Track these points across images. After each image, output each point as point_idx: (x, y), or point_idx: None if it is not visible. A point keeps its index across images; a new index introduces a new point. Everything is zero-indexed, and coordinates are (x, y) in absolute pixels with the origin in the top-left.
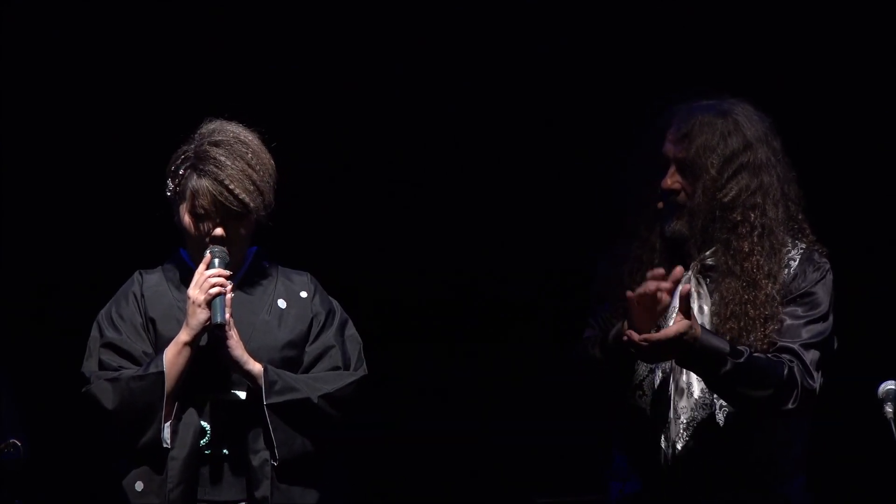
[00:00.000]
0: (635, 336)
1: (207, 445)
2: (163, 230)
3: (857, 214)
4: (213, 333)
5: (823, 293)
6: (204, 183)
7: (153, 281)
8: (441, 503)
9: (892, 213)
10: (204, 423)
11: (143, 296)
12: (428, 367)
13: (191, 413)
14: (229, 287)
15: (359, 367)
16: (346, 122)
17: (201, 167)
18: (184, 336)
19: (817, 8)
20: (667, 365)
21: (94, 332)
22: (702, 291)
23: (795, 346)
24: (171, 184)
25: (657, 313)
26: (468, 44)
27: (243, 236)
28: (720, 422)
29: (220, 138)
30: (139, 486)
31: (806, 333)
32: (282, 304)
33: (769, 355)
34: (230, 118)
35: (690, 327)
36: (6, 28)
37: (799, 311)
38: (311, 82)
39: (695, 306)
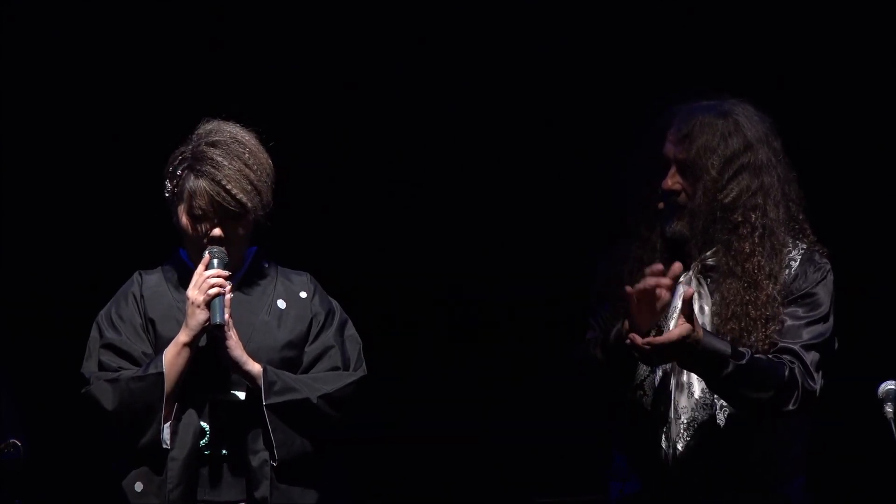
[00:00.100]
0: (638, 339)
1: (207, 446)
2: (162, 230)
3: (857, 214)
4: (212, 334)
5: (824, 294)
6: (201, 183)
7: (153, 281)
8: (441, 503)
9: (892, 213)
10: (203, 424)
11: (142, 296)
12: (428, 367)
13: (190, 414)
14: (228, 287)
15: (358, 368)
16: (346, 122)
17: (198, 168)
18: (183, 337)
19: (817, 8)
20: (668, 365)
21: (94, 333)
22: (702, 292)
23: (796, 347)
24: (168, 185)
25: (657, 311)
26: (468, 44)
27: (242, 236)
28: (721, 422)
29: (216, 139)
30: (139, 486)
31: (807, 334)
32: (281, 304)
33: (770, 356)
34: (228, 118)
35: (693, 330)
36: (6, 28)
37: (800, 311)
38: (311, 82)
39: (695, 307)
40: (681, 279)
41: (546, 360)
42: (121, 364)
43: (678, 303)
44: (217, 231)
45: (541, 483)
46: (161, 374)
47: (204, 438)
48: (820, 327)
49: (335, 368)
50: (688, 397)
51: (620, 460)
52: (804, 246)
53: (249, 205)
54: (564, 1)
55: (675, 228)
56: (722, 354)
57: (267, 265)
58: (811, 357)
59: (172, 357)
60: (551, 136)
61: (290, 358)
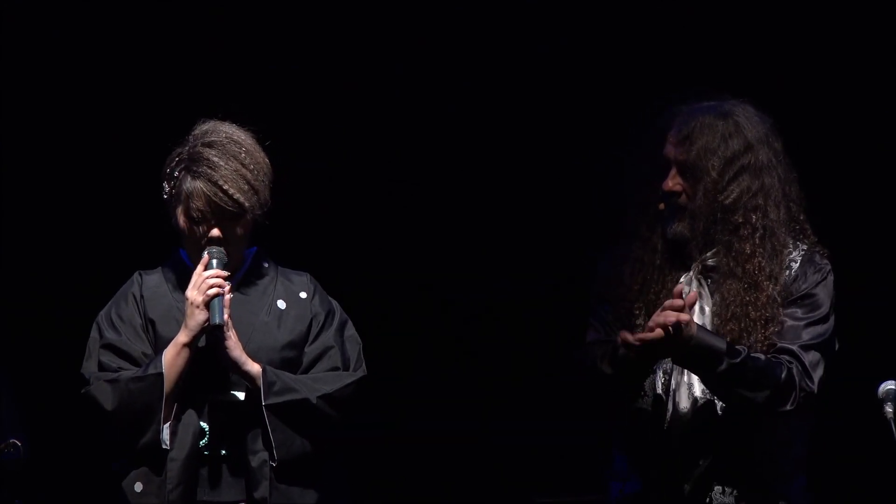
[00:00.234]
0: (629, 337)
1: (206, 446)
2: (162, 230)
3: (857, 215)
4: (211, 334)
5: (824, 295)
6: (198, 184)
7: (153, 282)
8: (441, 503)
9: (892, 214)
10: (203, 424)
11: (142, 297)
12: (428, 367)
13: (190, 414)
14: (227, 288)
15: (358, 368)
16: (345, 122)
17: (195, 169)
18: (182, 337)
19: (817, 8)
20: (668, 365)
21: (94, 333)
22: (703, 292)
23: (794, 348)
24: (166, 187)
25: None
26: (468, 44)
27: (240, 236)
28: (721, 422)
29: (213, 139)
30: (138, 486)
31: (806, 335)
32: (281, 304)
33: (768, 356)
34: (226, 118)
35: (686, 324)
36: (6, 28)
37: (799, 312)
38: (311, 82)
39: (696, 306)
40: (681, 279)
41: (546, 360)
42: (121, 364)
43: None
44: (215, 231)
45: (541, 483)
46: (160, 374)
47: (203, 439)
48: (819, 328)
49: (335, 369)
50: (688, 397)
51: (620, 460)
52: (805, 247)
53: (247, 204)
54: (564, 1)
55: (676, 229)
56: (716, 351)
57: (267, 265)
58: (810, 357)
59: (172, 357)
60: (551, 136)
61: (289, 358)
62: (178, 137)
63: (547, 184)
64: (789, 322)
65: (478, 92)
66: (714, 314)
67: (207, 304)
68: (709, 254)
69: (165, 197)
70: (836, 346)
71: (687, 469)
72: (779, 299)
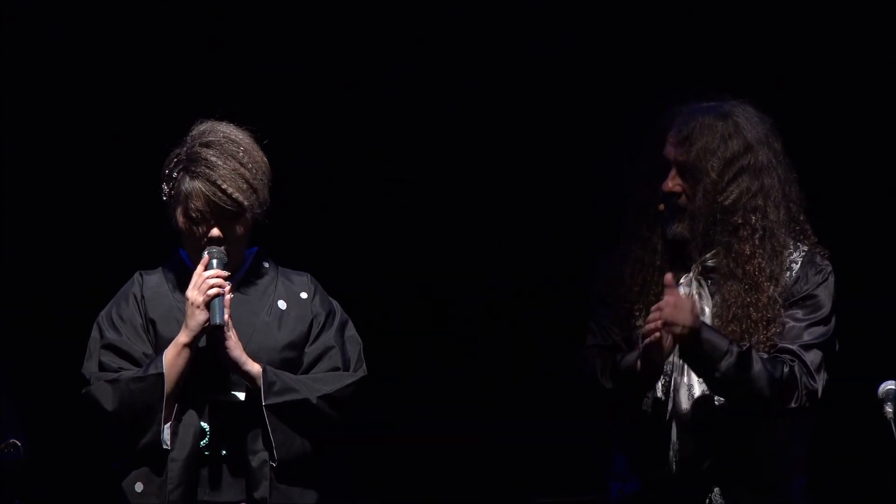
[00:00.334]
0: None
1: (207, 447)
2: (162, 230)
3: (857, 215)
4: (212, 335)
5: (825, 296)
6: (197, 185)
7: (153, 282)
8: (441, 503)
9: (892, 214)
10: (203, 425)
11: (143, 297)
12: (428, 367)
13: (190, 414)
14: (227, 288)
15: (358, 368)
16: (345, 122)
17: (193, 169)
18: (183, 337)
19: (817, 8)
20: (668, 366)
21: (95, 333)
22: (703, 293)
23: (795, 348)
24: (165, 188)
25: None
26: (468, 44)
27: (240, 236)
28: (721, 422)
29: (210, 139)
30: (139, 486)
31: (808, 335)
32: (282, 305)
33: (771, 355)
34: (223, 118)
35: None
36: (6, 28)
37: (800, 313)
38: (311, 82)
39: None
40: (681, 280)
41: (546, 360)
42: (121, 364)
43: None
44: (215, 231)
45: (541, 483)
46: (161, 374)
47: (204, 439)
48: (821, 329)
49: (335, 369)
50: (688, 398)
51: (620, 461)
52: (805, 248)
53: (246, 203)
54: (564, 1)
55: (676, 230)
56: (721, 346)
57: (267, 265)
58: (811, 357)
59: (172, 358)
60: (551, 136)
61: (290, 359)
62: (178, 137)
63: (547, 184)
64: (791, 323)
65: (478, 92)
66: (714, 315)
67: (208, 304)
68: (709, 255)
69: (164, 198)
70: (836, 347)
71: (687, 470)
72: (780, 300)
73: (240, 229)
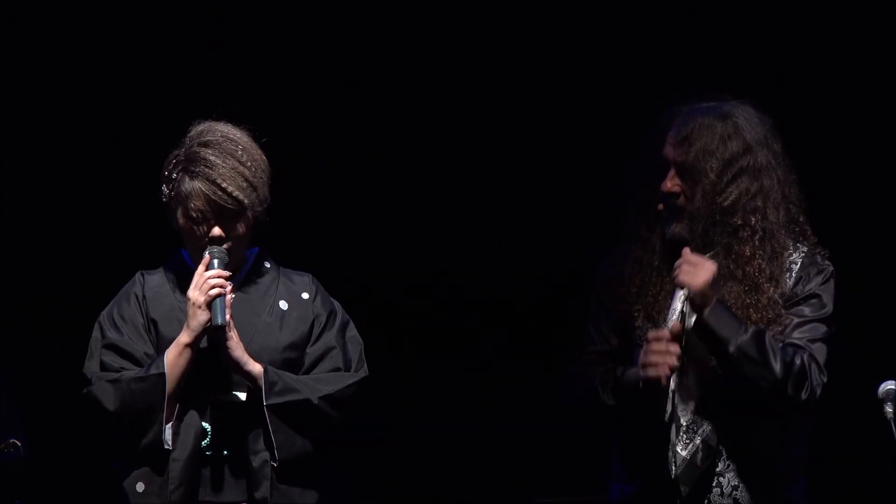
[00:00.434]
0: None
1: (208, 447)
2: (163, 230)
3: (857, 215)
4: (213, 335)
5: (827, 296)
6: (196, 184)
7: (155, 282)
8: (441, 503)
9: (892, 214)
10: (205, 425)
11: (144, 297)
12: (428, 367)
13: (192, 414)
14: (229, 288)
15: (359, 369)
16: (345, 122)
17: (192, 169)
18: (184, 338)
19: (817, 8)
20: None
21: (96, 333)
22: None
23: (803, 343)
24: (165, 189)
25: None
26: (468, 44)
27: (242, 235)
28: (720, 424)
29: (209, 138)
30: (140, 486)
31: (813, 332)
32: (283, 305)
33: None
34: (220, 118)
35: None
36: (6, 28)
37: (806, 310)
38: (311, 82)
39: None
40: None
41: (546, 359)
42: (123, 364)
43: (677, 305)
44: (217, 230)
45: (541, 483)
46: (162, 374)
47: (205, 439)
48: (824, 327)
49: (336, 369)
50: (688, 400)
51: (621, 462)
52: (805, 248)
53: (246, 201)
54: (564, 1)
55: (675, 231)
56: (736, 322)
57: (268, 265)
58: (820, 352)
59: (174, 358)
60: (551, 136)
61: (291, 359)
62: (178, 137)
63: (547, 184)
64: (796, 319)
65: (478, 92)
66: None
67: (209, 304)
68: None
69: (164, 200)
70: (834, 348)
71: (686, 470)
72: (780, 301)
73: (241, 228)
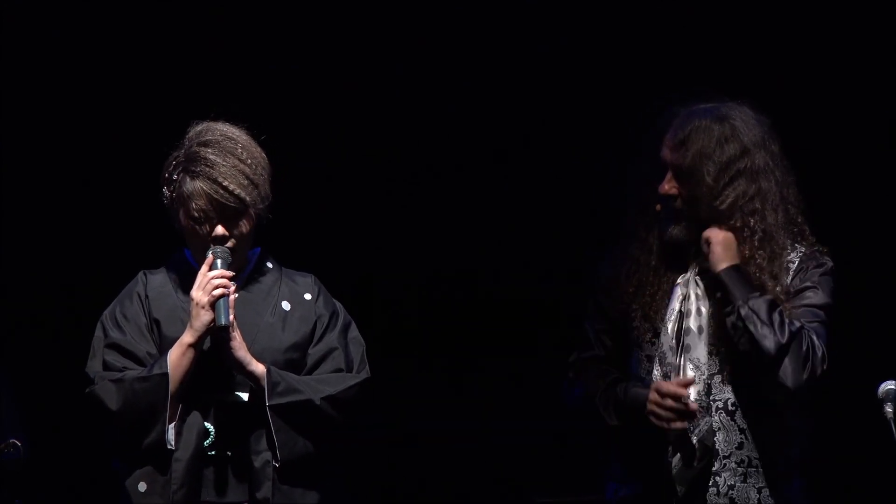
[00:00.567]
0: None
1: (211, 447)
2: (166, 230)
3: (857, 215)
4: (216, 335)
5: (826, 288)
6: (198, 184)
7: (158, 281)
8: (441, 503)
9: (892, 214)
10: (207, 425)
11: (147, 296)
12: (428, 367)
13: (194, 414)
14: (232, 288)
15: (362, 370)
16: (345, 122)
17: (193, 169)
18: (187, 338)
19: (817, 8)
20: (666, 368)
21: (99, 333)
22: (699, 293)
23: (804, 324)
24: (166, 191)
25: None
26: (468, 44)
27: (245, 233)
28: (717, 424)
29: (208, 138)
30: (142, 486)
31: (811, 317)
32: (286, 306)
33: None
34: (218, 118)
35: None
36: (6, 28)
37: (804, 299)
38: (311, 82)
39: (692, 308)
40: (678, 281)
41: (546, 359)
42: (125, 364)
43: (675, 305)
44: (220, 229)
45: (541, 483)
46: (165, 374)
47: (208, 439)
48: (822, 314)
49: (338, 370)
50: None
51: (618, 462)
52: (803, 249)
53: (248, 199)
54: (564, 1)
55: (673, 233)
56: (754, 287)
57: (271, 266)
58: (823, 338)
59: (177, 358)
60: (551, 136)
61: (293, 360)
62: (178, 137)
63: (547, 184)
64: (797, 305)
65: (478, 92)
66: (711, 315)
67: (213, 304)
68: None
69: (166, 202)
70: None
71: (682, 470)
72: (782, 297)
73: (244, 226)
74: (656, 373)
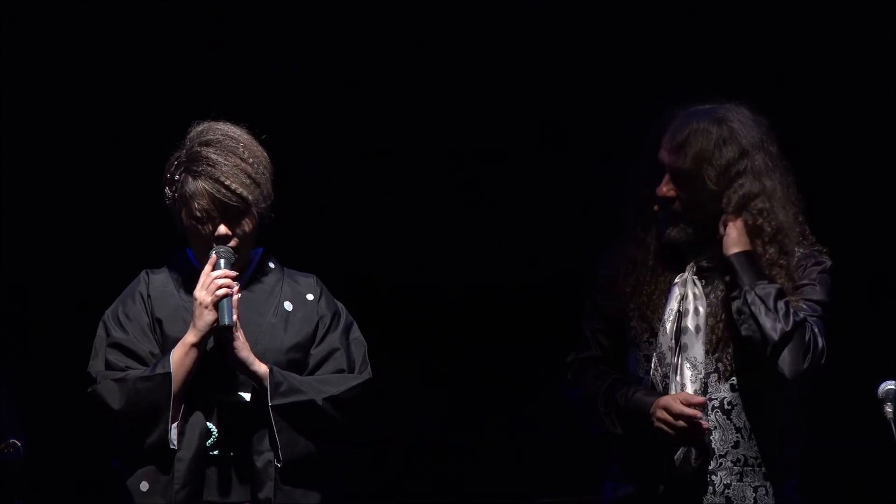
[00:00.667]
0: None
1: (213, 447)
2: (168, 229)
3: (856, 215)
4: (219, 335)
5: (824, 285)
6: (200, 184)
7: (160, 281)
8: (441, 503)
9: (892, 214)
10: (210, 425)
11: (149, 296)
12: (428, 367)
13: (197, 414)
14: (236, 288)
15: (364, 370)
16: (345, 122)
17: (195, 169)
18: (190, 337)
19: (816, 8)
20: (664, 369)
21: (101, 332)
22: (697, 293)
23: (805, 317)
24: (168, 192)
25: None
26: (468, 44)
27: (248, 232)
28: (714, 423)
29: (209, 137)
30: (144, 486)
31: (811, 311)
32: (288, 306)
33: None
34: (218, 117)
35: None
36: (6, 28)
37: (805, 290)
38: (311, 82)
39: (690, 307)
40: (676, 280)
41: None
42: (128, 363)
43: (674, 305)
44: (222, 229)
45: (541, 483)
46: (168, 374)
47: (210, 439)
48: (820, 309)
49: (340, 371)
50: None
51: (615, 461)
52: (802, 249)
53: (250, 198)
54: (564, 1)
55: (671, 235)
56: (763, 273)
57: (273, 266)
58: (823, 332)
59: (180, 357)
60: (551, 136)
61: (295, 360)
62: (178, 137)
63: (547, 184)
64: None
65: (478, 92)
66: (709, 315)
67: (216, 304)
68: (705, 258)
69: (168, 202)
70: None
71: (679, 469)
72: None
73: (246, 226)
74: (652, 371)
